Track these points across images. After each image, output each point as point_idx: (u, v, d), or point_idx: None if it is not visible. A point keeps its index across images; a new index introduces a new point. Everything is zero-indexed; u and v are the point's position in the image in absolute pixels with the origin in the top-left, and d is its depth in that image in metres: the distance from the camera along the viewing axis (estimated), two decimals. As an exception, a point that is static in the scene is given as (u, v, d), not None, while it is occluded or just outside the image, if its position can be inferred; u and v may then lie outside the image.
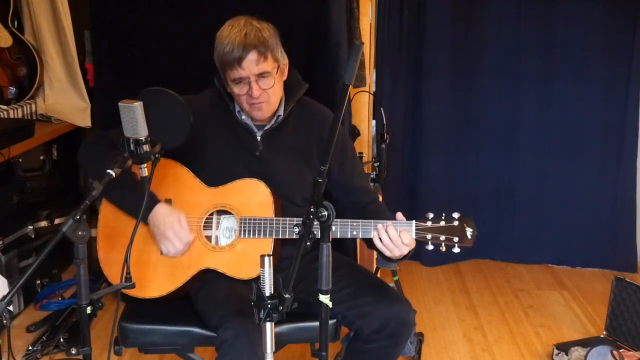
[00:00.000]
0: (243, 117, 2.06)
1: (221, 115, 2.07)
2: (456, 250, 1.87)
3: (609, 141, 3.78)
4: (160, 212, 1.92)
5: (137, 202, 1.84)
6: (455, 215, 1.87)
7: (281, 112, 2.07)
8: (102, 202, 2.02)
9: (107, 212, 2.02)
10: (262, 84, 1.94)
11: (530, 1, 3.69)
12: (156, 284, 1.97)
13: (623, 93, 3.71)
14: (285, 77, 2.05)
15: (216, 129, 2.05)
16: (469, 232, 1.87)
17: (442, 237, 1.87)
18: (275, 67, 1.97)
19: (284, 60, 2.02)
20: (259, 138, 2.06)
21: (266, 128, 2.07)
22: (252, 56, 1.90)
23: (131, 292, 1.96)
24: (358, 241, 2.69)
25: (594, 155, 3.81)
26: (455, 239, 1.87)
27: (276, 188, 2.01)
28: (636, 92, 3.71)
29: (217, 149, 2.05)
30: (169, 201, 1.99)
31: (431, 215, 1.88)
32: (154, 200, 1.93)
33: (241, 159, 2.05)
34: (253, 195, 1.97)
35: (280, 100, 2.07)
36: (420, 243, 1.89)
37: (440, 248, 1.88)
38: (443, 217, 1.88)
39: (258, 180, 1.98)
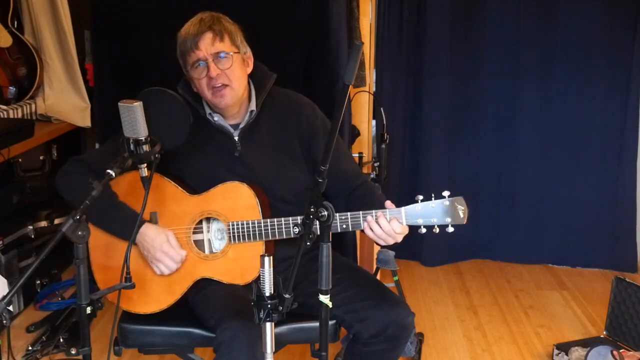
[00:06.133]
0: (216, 118, 2.03)
1: (195, 123, 1.99)
2: (450, 229, 1.82)
3: (609, 141, 3.78)
4: (148, 234, 1.90)
5: (122, 224, 1.88)
6: (445, 194, 1.82)
7: (254, 106, 2.04)
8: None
9: (94, 232, 1.96)
10: (219, 64, 1.93)
11: (530, 1, 3.69)
12: (154, 299, 1.97)
13: (623, 93, 3.71)
14: (250, 69, 2.04)
15: (192, 138, 1.94)
16: (460, 210, 1.82)
17: (434, 219, 1.82)
18: (235, 52, 1.96)
19: (247, 52, 2.02)
20: (236, 138, 2.03)
21: (242, 126, 2.04)
22: (207, 35, 1.92)
23: (132, 309, 1.97)
24: (358, 241, 2.69)
25: (594, 155, 3.80)
26: (448, 219, 1.82)
27: (262, 187, 1.98)
28: (636, 92, 3.71)
29: (195, 157, 2.01)
30: (154, 214, 1.96)
31: (421, 198, 1.83)
32: (139, 221, 1.87)
33: (221, 162, 2.01)
34: (237, 199, 1.94)
35: (250, 95, 2.05)
36: (413, 227, 1.84)
37: (434, 230, 1.83)
38: (433, 199, 1.83)
39: (240, 183, 1.94)
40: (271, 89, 2.08)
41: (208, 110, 2.04)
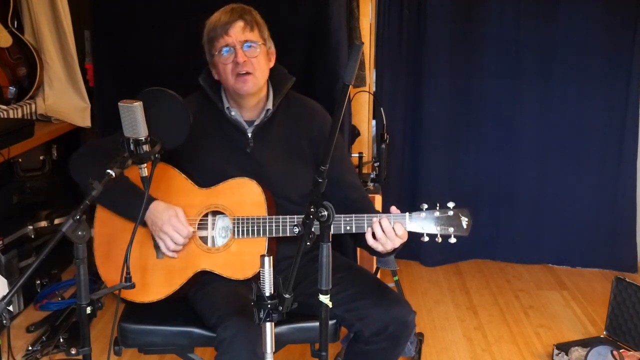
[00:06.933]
0: (232, 113, 2.06)
1: (210, 116, 2.07)
2: (452, 240, 1.85)
3: (609, 141, 3.78)
4: (157, 209, 1.92)
5: (132, 204, 1.88)
6: (450, 205, 1.86)
7: (270, 105, 2.07)
8: (96, 209, 2.02)
9: (102, 218, 2.01)
10: (247, 52, 1.98)
11: (530, 1, 3.69)
12: (154, 288, 1.97)
13: (623, 93, 3.71)
14: (272, 64, 2.08)
15: (206, 130, 2.05)
16: (464, 221, 1.85)
17: (438, 228, 1.86)
18: (262, 43, 2.01)
19: (271, 48, 2.08)
20: (249, 135, 2.07)
21: (256, 123, 2.07)
22: (238, 24, 1.98)
23: (129, 297, 1.97)
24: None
25: (594, 155, 3.80)
26: (451, 230, 1.85)
27: (269, 185, 2.00)
28: (636, 93, 3.70)
29: (208, 149, 2.05)
30: None
31: (425, 207, 1.86)
32: (149, 200, 1.92)
33: (232, 157, 2.04)
34: (245, 195, 1.97)
35: (268, 94, 2.09)
36: (416, 235, 1.87)
37: (436, 239, 1.86)
38: (437, 208, 1.86)
39: (249, 179, 1.98)
40: (289, 92, 2.13)
41: (227, 104, 2.07)
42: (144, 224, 1.96)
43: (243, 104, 2.06)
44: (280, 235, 1.94)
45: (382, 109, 3.12)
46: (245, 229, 1.94)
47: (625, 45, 3.66)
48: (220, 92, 2.09)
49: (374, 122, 3.47)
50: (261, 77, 2.02)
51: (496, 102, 3.82)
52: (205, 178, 2.01)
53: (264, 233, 1.94)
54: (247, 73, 1.97)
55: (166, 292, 1.98)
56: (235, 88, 2.00)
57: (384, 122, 3.03)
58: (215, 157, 2.04)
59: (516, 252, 3.95)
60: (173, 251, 1.95)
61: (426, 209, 1.86)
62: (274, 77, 2.10)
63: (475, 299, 3.50)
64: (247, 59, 1.97)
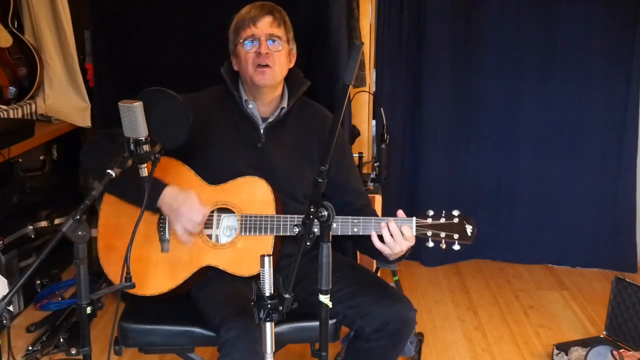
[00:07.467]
0: (250, 106, 2.09)
1: (226, 109, 2.10)
2: (456, 247, 1.88)
3: (609, 141, 3.78)
4: (170, 192, 1.92)
5: (142, 192, 1.87)
6: (455, 212, 1.89)
7: (285, 104, 2.11)
8: (102, 200, 2.03)
9: (108, 210, 2.03)
10: (271, 46, 2.02)
11: (530, 1, 3.69)
12: (156, 281, 1.98)
13: (623, 93, 3.71)
14: (291, 65, 2.12)
15: (220, 124, 2.08)
16: (469, 229, 1.88)
17: (443, 234, 1.88)
18: (285, 41, 2.05)
19: (293, 50, 2.12)
20: (262, 130, 2.09)
21: (270, 120, 2.10)
22: (267, 18, 2.03)
23: (131, 290, 1.96)
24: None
25: (594, 155, 3.81)
26: (456, 236, 1.88)
27: (276, 182, 2.02)
28: (636, 92, 3.71)
29: (219, 142, 2.07)
30: None
31: (431, 213, 1.89)
32: (161, 186, 1.92)
33: (242, 150, 2.07)
34: (254, 193, 1.99)
35: (284, 94, 2.12)
36: (421, 240, 1.90)
37: (441, 245, 1.89)
38: (443, 215, 1.89)
39: (259, 178, 2.00)
40: (305, 98, 2.17)
41: (244, 97, 2.10)
42: (155, 212, 1.95)
43: (259, 97, 2.09)
44: (288, 234, 1.96)
45: (382, 109, 3.12)
46: (252, 226, 1.96)
47: (625, 45, 3.66)
48: (239, 85, 2.12)
49: (374, 122, 3.47)
50: (279, 73, 2.05)
51: (496, 102, 3.82)
52: (214, 167, 2.03)
53: (271, 231, 1.96)
54: (267, 65, 2.01)
55: (170, 285, 1.98)
56: (253, 79, 2.03)
57: (384, 122, 3.03)
58: (226, 150, 2.06)
59: (516, 252, 3.95)
60: (190, 235, 1.94)
61: (432, 215, 1.89)
62: (291, 79, 2.14)
63: (475, 299, 3.50)
64: (269, 52, 2.01)
